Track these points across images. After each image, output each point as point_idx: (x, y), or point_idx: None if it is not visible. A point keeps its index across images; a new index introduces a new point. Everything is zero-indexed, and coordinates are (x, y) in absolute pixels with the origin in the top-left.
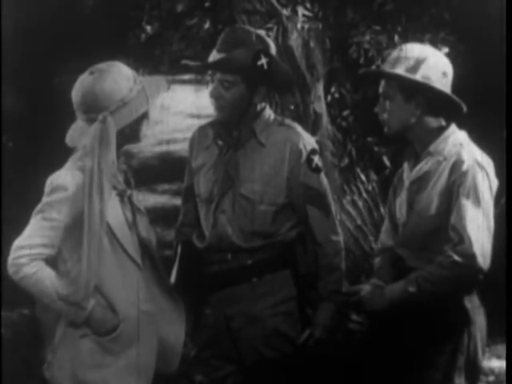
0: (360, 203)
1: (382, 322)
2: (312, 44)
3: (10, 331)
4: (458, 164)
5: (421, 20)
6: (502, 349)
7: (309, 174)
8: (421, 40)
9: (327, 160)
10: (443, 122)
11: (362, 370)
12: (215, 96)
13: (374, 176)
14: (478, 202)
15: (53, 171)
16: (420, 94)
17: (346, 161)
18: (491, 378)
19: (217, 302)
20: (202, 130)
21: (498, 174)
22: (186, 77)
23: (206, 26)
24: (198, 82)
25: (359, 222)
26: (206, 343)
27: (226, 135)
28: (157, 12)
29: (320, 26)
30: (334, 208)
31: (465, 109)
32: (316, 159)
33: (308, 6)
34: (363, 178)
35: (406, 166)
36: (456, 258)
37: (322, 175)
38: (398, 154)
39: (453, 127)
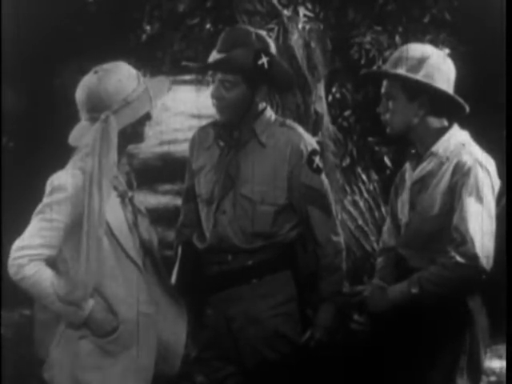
0: (361, 203)
1: (384, 323)
2: (313, 44)
3: (10, 331)
4: (460, 164)
5: (422, 20)
6: (503, 349)
7: (310, 174)
8: (422, 40)
9: (328, 160)
10: (445, 123)
11: (364, 371)
12: (216, 97)
13: (375, 176)
14: (480, 202)
15: (53, 171)
16: (423, 93)
17: (348, 161)
18: (492, 378)
19: (217, 302)
20: (202, 130)
21: (498, 174)
22: (187, 77)
23: (207, 26)
24: (199, 83)
25: (360, 222)
26: (206, 344)
27: (227, 136)
28: (158, 12)
29: (321, 26)
30: (334, 208)
31: (467, 109)
32: (317, 160)
33: (309, 6)
34: (364, 178)
35: (407, 166)
36: (458, 258)
37: (323, 176)
38: (400, 153)
39: (455, 127)
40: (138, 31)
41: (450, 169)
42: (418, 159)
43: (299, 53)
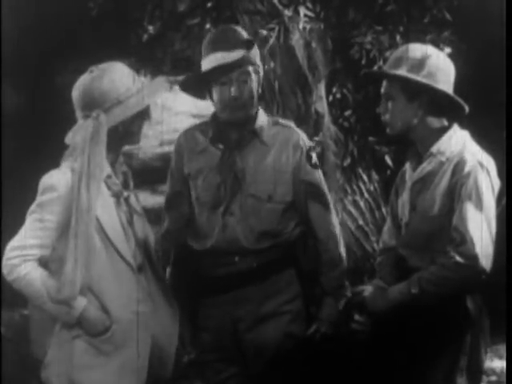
0: (362, 203)
1: (385, 323)
2: (314, 44)
3: (10, 331)
4: (460, 165)
5: (422, 20)
6: (503, 349)
7: (309, 170)
8: (422, 40)
9: (329, 160)
10: (445, 123)
11: (364, 371)
12: (238, 95)
13: (375, 176)
14: (480, 202)
15: None
16: (423, 94)
17: (348, 161)
18: (493, 378)
19: (223, 304)
20: (187, 134)
21: (499, 174)
22: None
23: (208, 26)
24: None
25: (361, 222)
26: (207, 346)
27: (225, 138)
28: (158, 12)
29: (322, 26)
30: (332, 204)
31: (467, 109)
32: (314, 156)
33: (310, 6)
34: (365, 178)
35: (408, 166)
36: (458, 259)
37: (320, 171)
38: (400, 153)
39: (455, 127)
40: (138, 31)
41: (450, 169)
42: (419, 159)
43: (300, 52)
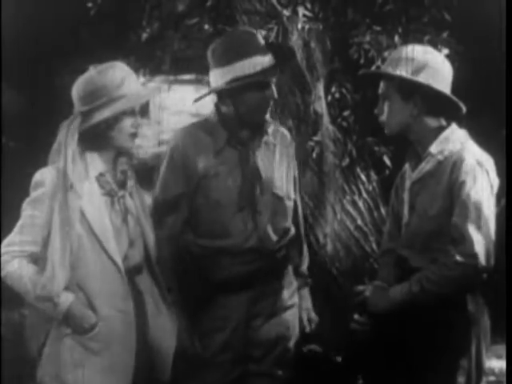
0: (360, 203)
1: (385, 323)
2: (312, 44)
3: (10, 331)
4: (458, 163)
5: (421, 20)
6: (502, 349)
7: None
8: (421, 40)
9: (328, 160)
10: (443, 122)
11: (364, 371)
12: (275, 98)
13: (374, 176)
14: (479, 201)
15: None
16: (417, 93)
17: (347, 161)
18: (491, 378)
19: (240, 302)
20: (190, 134)
21: (498, 174)
22: (187, 77)
23: (207, 26)
24: (199, 82)
25: (359, 222)
26: (220, 347)
27: (239, 138)
28: (157, 12)
29: (320, 26)
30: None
31: (464, 109)
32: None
33: (308, 6)
34: (364, 178)
35: (407, 166)
36: (458, 258)
37: None
38: (399, 154)
39: (453, 126)
40: (137, 31)
41: (449, 168)
42: (417, 159)
43: (298, 53)
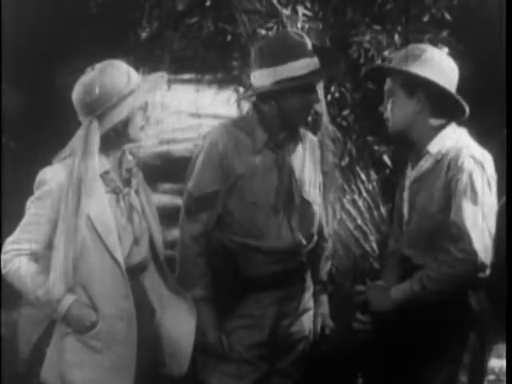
0: (360, 202)
1: (388, 322)
2: None
3: (10, 331)
4: (454, 160)
5: (421, 20)
6: (502, 348)
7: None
8: (421, 40)
9: (328, 159)
10: (444, 121)
11: (367, 369)
12: (318, 102)
13: (374, 175)
14: (475, 197)
15: None
16: (421, 90)
17: (347, 160)
18: (491, 377)
19: (270, 301)
20: (229, 133)
21: (499, 173)
22: (187, 76)
23: (207, 25)
24: (199, 82)
25: (359, 221)
26: (246, 344)
27: (276, 140)
28: (157, 11)
29: (320, 25)
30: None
31: (467, 110)
32: None
33: (308, 5)
34: (363, 177)
35: (409, 166)
36: (458, 254)
37: None
38: (399, 153)
39: (452, 125)
40: (137, 30)
41: (445, 166)
42: (417, 158)
43: None
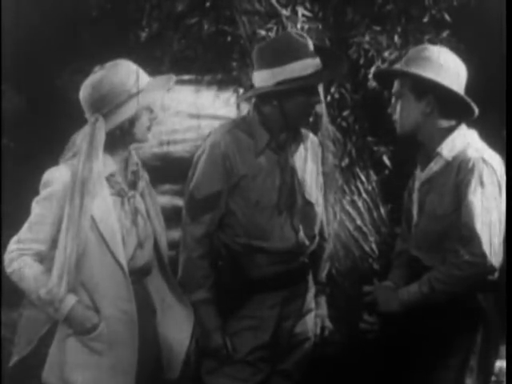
0: (360, 203)
1: (395, 323)
2: None
3: (10, 331)
4: (464, 162)
5: (421, 20)
6: (502, 349)
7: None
8: (421, 40)
9: (328, 160)
10: (453, 123)
11: (374, 370)
12: (320, 102)
13: (373, 176)
14: (485, 199)
15: None
16: (431, 93)
17: (346, 161)
18: (492, 378)
19: (273, 302)
20: (231, 134)
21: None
22: (186, 77)
23: (206, 26)
24: (198, 83)
25: (359, 222)
26: (249, 346)
27: (281, 141)
28: (157, 12)
29: (320, 26)
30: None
31: (476, 111)
32: None
33: (308, 6)
34: (363, 178)
35: (418, 167)
36: (467, 257)
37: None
38: (399, 153)
39: (462, 127)
40: (137, 31)
41: (455, 168)
42: (427, 160)
43: None
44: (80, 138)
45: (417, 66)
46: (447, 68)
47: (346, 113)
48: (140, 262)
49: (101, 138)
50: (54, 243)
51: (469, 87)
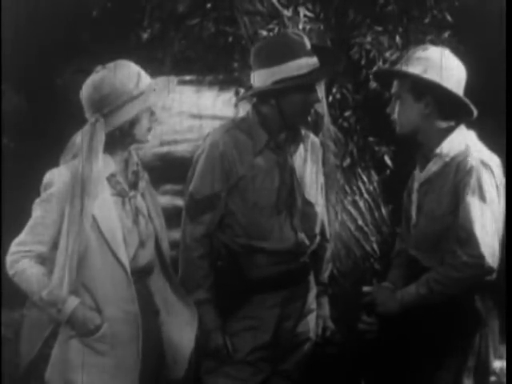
0: (361, 203)
1: (393, 323)
2: None
3: (11, 331)
4: (462, 164)
5: (422, 21)
6: (502, 349)
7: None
8: (422, 41)
9: (329, 161)
10: (453, 123)
11: (372, 371)
12: (319, 101)
13: (375, 176)
14: (484, 200)
15: None
16: (429, 94)
17: (348, 161)
18: (492, 379)
19: (273, 302)
20: (230, 134)
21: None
22: (188, 78)
23: (208, 26)
24: (200, 83)
25: (360, 222)
26: (249, 346)
27: (277, 141)
28: (158, 13)
29: (321, 26)
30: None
31: (475, 112)
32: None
33: (309, 6)
34: (364, 178)
35: (417, 168)
36: (465, 258)
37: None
38: (400, 153)
39: (461, 128)
40: (138, 31)
41: (454, 169)
42: (426, 160)
43: None
44: (80, 139)
45: (415, 66)
46: (446, 69)
47: (347, 113)
48: (142, 261)
49: (100, 138)
50: (55, 245)
51: (469, 88)
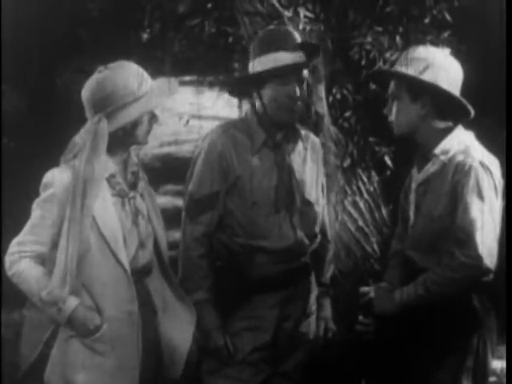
0: (361, 204)
1: (391, 324)
2: None
3: (11, 331)
4: (461, 164)
5: (422, 21)
6: (502, 349)
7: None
8: (422, 41)
9: (329, 161)
10: (450, 124)
11: (369, 372)
12: (299, 97)
13: (375, 176)
14: (482, 201)
15: None
16: (426, 94)
17: (348, 161)
18: (492, 379)
19: (273, 302)
20: (228, 134)
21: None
22: (188, 78)
23: (208, 27)
24: (200, 83)
25: (361, 222)
26: (250, 346)
27: (274, 139)
28: (158, 13)
29: (322, 27)
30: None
31: (472, 113)
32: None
33: (310, 7)
34: (365, 178)
35: (415, 168)
36: (462, 259)
37: None
38: (400, 154)
39: (459, 128)
40: (138, 32)
41: (452, 169)
42: (424, 161)
43: None
44: (82, 138)
45: (412, 67)
46: (442, 68)
47: (347, 113)
48: (141, 261)
49: (104, 138)
50: (55, 245)
51: (469, 87)
